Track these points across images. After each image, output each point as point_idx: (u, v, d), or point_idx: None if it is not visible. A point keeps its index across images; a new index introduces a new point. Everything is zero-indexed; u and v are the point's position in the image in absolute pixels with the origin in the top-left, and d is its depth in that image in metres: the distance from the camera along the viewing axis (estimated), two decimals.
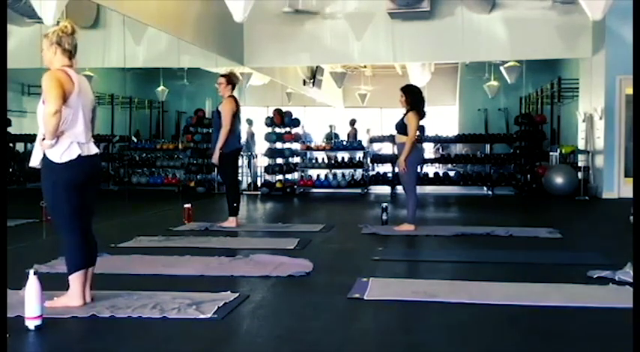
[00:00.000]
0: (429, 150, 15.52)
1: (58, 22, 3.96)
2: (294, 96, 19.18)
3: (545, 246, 6.24)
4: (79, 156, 3.71)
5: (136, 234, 6.69)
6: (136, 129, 15.93)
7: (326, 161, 13.27)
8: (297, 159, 13.08)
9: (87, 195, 3.80)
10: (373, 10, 11.93)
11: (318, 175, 13.31)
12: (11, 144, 12.58)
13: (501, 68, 14.79)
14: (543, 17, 11.53)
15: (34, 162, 3.76)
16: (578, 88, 12.97)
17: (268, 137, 12.75)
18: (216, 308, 3.74)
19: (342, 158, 13.49)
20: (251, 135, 16.07)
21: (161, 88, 16.02)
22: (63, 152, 3.68)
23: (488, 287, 4.39)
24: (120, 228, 7.36)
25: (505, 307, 3.91)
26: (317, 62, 15.15)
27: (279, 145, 12.86)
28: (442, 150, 16.78)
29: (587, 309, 3.89)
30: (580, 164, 11.80)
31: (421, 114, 7.00)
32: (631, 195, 9.08)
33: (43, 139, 3.65)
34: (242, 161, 12.78)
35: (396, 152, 7.99)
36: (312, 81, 16.65)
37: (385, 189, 12.94)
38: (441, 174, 12.98)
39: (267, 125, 12.74)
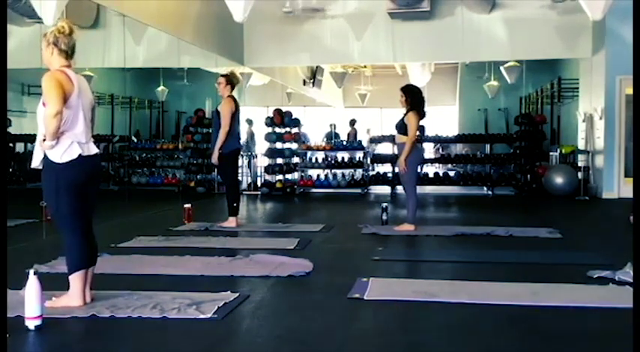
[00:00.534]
0: (429, 150, 15.52)
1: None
2: (294, 96, 19.18)
3: (545, 246, 6.23)
4: (80, 156, 3.71)
5: (136, 234, 6.69)
6: (136, 129, 15.93)
7: (326, 161, 13.27)
8: (297, 159, 13.09)
9: (87, 195, 3.80)
10: (373, 10, 11.94)
11: (318, 175, 13.31)
12: (11, 144, 12.59)
13: (501, 68, 14.79)
14: (543, 17, 11.53)
15: (35, 163, 3.76)
16: (578, 88, 12.98)
17: (268, 137, 12.76)
18: (216, 308, 3.74)
19: (342, 158, 13.50)
20: (251, 135, 16.07)
21: (161, 87, 16.02)
22: (63, 152, 3.68)
23: (488, 287, 4.39)
24: (120, 228, 7.36)
25: (505, 307, 3.91)
26: (317, 62, 15.15)
27: (279, 145, 12.86)
28: (442, 150, 16.77)
29: (587, 309, 3.89)
30: (580, 164, 11.80)
31: (421, 114, 7.00)
32: (631, 195, 9.09)
33: (44, 140, 3.65)
34: (242, 161, 12.78)
35: (396, 152, 7.99)
36: (312, 81, 16.65)
37: (385, 189, 12.94)
38: (441, 174, 12.98)
39: (267, 125, 12.75)
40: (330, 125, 15.73)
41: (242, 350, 3.30)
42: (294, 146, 12.97)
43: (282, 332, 3.52)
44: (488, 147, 13.65)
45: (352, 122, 17.80)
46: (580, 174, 11.54)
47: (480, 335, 3.44)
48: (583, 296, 4.18)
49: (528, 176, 12.66)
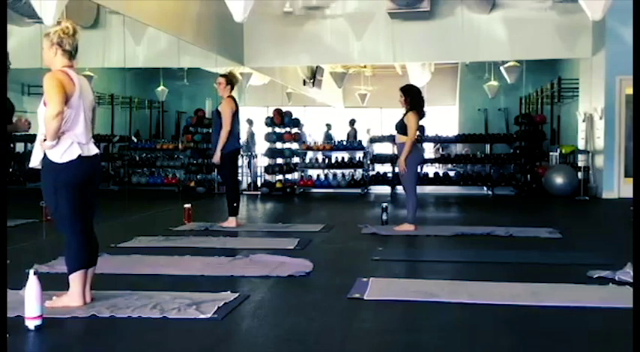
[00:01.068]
0: (429, 150, 15.51)
1: (59, 22, 3.94)
2: (294, 96, 19.17)
3: (545, 246, 6.23)
4: (79, 156, 3.71)
5: (136, 234, 6.69)
6: (136, 129, 15.91)
7: (326, 161, 13.27)
8: (297, 159, 13.08)
9: (87, 195, 3.80)
10: (373, 10, 11.94)
11: (318, 175, 13.31)
12: (11, 144, 12.58)
13: (501, 68, 14.79)
14: (543, 17, 11.53)
15: (34, 162, 3.76)
16: (578, 88, 12.97)
17: (268, 137, 12.75)
18: (216, 308, 3.74)
19: (342, 158, 13.50)
20: (251, 135, 16.07)
21: (161, 87, 16.00)
22: (63, 152, 3.68)
23: (488, 287, 4.39)
24: (120, 228, 7.36)
25: (505, 307, 3.91)
26: (317, 62, 15.16)
27: (279, 145, 12.86)
28: (442, 150, 16.78)
29: (587, 309, 3.89)
30: (580, 164, 11.80)
31: (421, 114, 7.00)
32: (631, 195, 9.08)
33: (44, 140, 3.65)
34: (242, 161, 12.78)
35: (396, 152, 7.98)
36: (312, 81, 16.65)
37: (385, 189, 12.94)
38: (441, 174, 12.98)
39: (267, 125, 12.75)
40: (326, 125, 15.75)
41: (242, 350, 3.30)
42: (294, 146, 12.97)
43: (282, 332, 3.52)
44: (488, 147, 13.64)
45: (352, 122, 17.79)
46: (580, 174, 11.53)
47: (479, 335, 3.44)
48: (583, 296, 4.17)
49: (528, 176, 12.66)
